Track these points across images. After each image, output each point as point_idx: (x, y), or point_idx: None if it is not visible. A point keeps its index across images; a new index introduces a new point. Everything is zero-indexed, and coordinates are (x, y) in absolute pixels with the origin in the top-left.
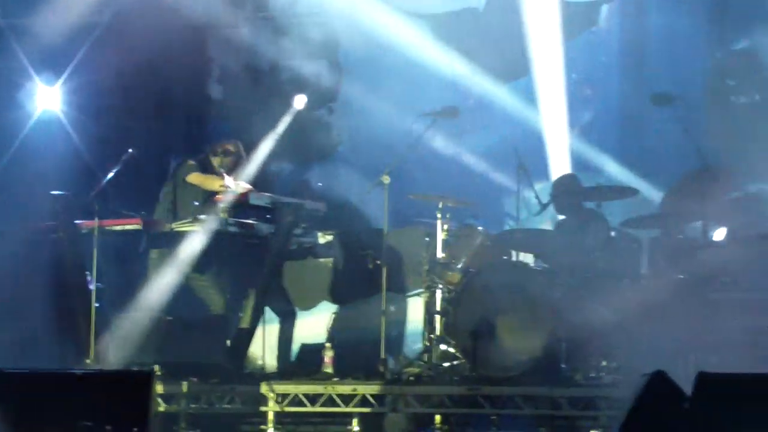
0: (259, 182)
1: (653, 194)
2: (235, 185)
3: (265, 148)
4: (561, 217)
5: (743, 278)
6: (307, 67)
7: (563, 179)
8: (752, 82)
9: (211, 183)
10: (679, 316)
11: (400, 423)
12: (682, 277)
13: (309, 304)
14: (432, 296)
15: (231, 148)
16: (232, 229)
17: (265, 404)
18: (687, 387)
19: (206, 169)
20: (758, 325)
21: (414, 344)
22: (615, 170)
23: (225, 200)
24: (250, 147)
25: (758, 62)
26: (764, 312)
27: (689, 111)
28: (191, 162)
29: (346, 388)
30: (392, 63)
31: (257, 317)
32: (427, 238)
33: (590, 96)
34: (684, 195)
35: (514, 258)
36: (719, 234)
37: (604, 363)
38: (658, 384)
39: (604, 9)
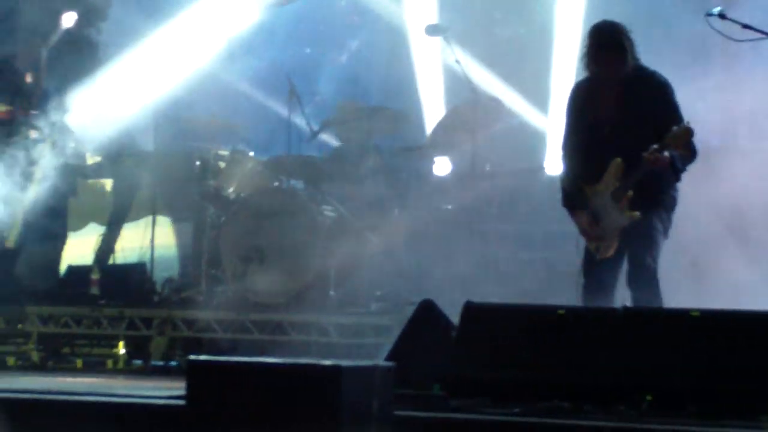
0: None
1: (423, 124)
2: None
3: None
4: (334, 144)
5: (510, 210)
6: None
7: (340, 106)
8: (518, 15)
9: None
10: (448, 246)
11: (166, 347)
12: (449, 207)
13: (78, 226)
14: (202, 221)
15: None
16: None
17: (30, 324)
18: (454, 317)
19: None
20: (524, 256)
21: (182, 268)
22: (383, 100)
23: None
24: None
25: None
26: (529, 244)
27: (460, 42)
28: None
29: (113, 311)
30: None
31: (24, 237)
32: (198, 162)
33: (358, 23)
34: (454, 126)
35: (284, 184)
36: (443, 168)
37: (372, 291)
38: (426, 313)
39: None
